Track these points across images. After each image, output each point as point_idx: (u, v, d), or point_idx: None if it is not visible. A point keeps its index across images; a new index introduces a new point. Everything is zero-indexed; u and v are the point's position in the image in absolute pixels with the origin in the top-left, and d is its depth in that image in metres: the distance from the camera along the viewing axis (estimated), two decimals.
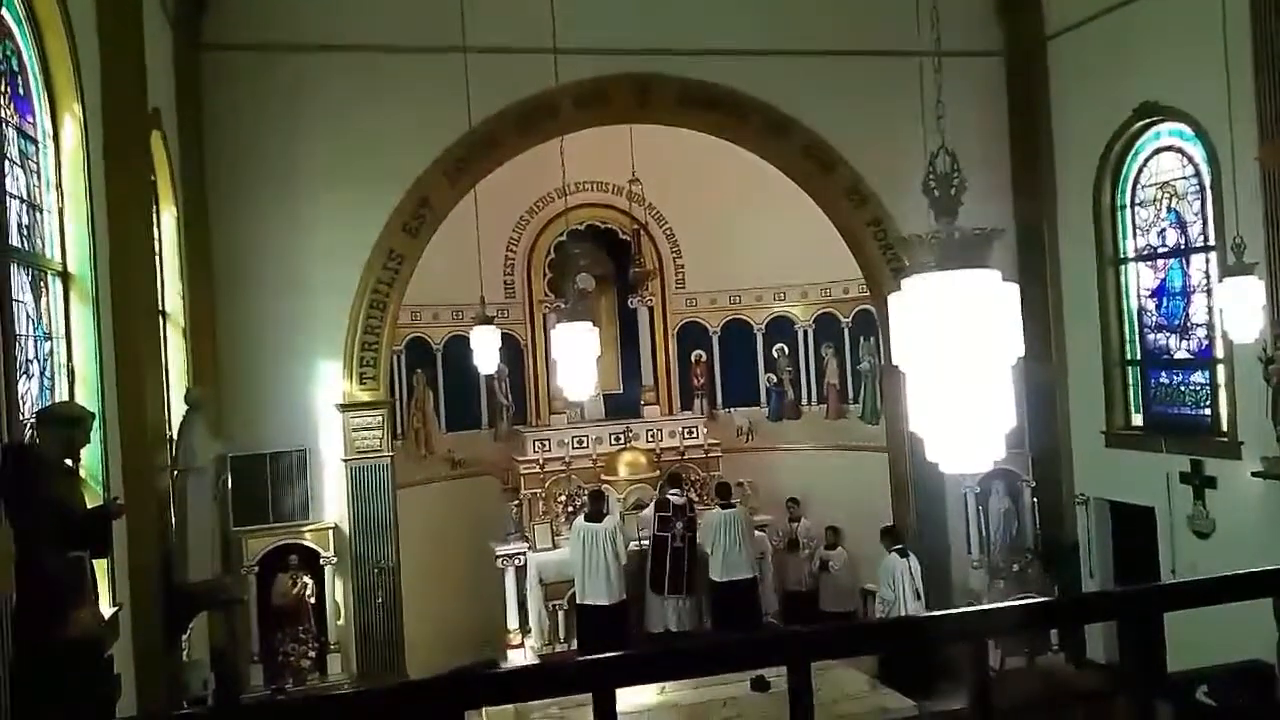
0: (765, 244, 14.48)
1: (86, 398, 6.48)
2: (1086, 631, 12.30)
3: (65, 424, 4.99)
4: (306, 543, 10.81)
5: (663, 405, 15.09)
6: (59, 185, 6.74)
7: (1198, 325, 11.29)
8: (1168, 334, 11.67)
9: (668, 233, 15.26)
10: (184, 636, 8.01)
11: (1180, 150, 11.25)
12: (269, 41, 10.81)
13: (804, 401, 15.28)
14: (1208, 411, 11.12)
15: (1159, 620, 2.05)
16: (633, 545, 12.69)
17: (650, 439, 14.23)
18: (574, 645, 12.44)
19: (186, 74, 10.21)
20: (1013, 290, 2.91)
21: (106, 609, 5.79)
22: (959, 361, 2.82)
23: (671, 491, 12.84)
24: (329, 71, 10.92)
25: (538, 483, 13.61)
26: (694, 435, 14.40)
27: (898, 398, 12.46)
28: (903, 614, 12.06)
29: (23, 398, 5.68)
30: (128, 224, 7.41)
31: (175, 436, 8.38)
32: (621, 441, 14.09)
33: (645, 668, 2.35)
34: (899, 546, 12.10)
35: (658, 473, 13.40)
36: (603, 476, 13.63)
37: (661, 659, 2.38)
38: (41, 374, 6.24)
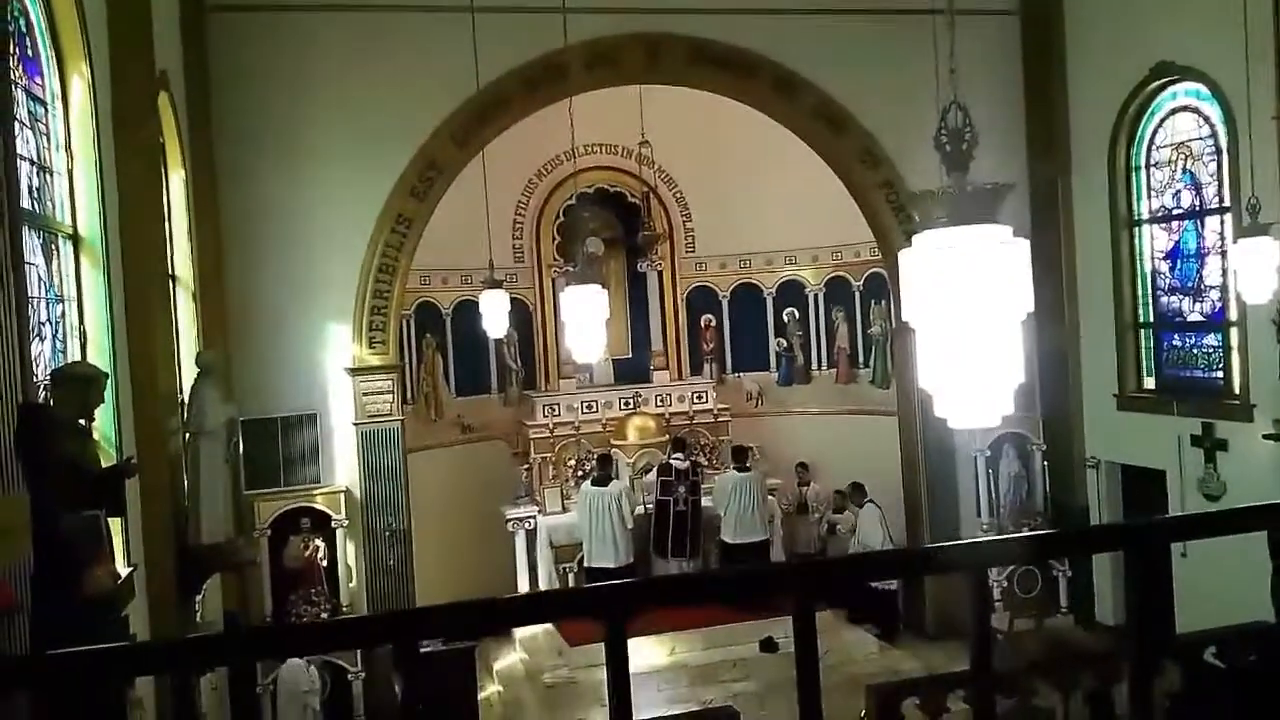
0: (776, 207, 14.39)
1: (98, 360, 6.50)
2: (1095, 594, 12.34)
3: (80, 383, 5.02)
4: (318, 506, 10.89)
5: (672, 370, 15.08)
6: (68, 147, 6.74)
7: (1211, 288, 11.22)
8: (1181, 296, 11.60)
9: (677, 196, 15.18)
10: (197, 598, 8.10)
11: (1196, 110, 11.13)
12: (275, 2, 10.74)
13: (814, 366, 15.26)
14: (1220, 374, 11.08)
15: (1165, 556, 2.04)
16: (639, 509, 12.73)
17: (659, 404, 14.24)
18: None
19: (193, 36, 10.16)
20: (1023, 246, 2.89)
21: (121, 569, 5.85)
22: (968, 316, 2.80)
23: (674, 456, 12.87)
24: (336, 32, 10.86)
25: (547, 447, 13.65)
26: (703, 400, 14.40)
27: (908, 362, 12.44)
28: None
29: (36, 360, 5.71)
30: (137, 187, 7.41)
31: (186, 400, 8.42)
32: (631, 406, 14.11)
33: (655, 593, 2.39)
34: (869, 499, 12.87)
35: (667, 437, 13.42)
36: (612, 441, 13.66)
37: (673, 585, 2.40)
38: (54, 336, 6.27)
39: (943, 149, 3.03)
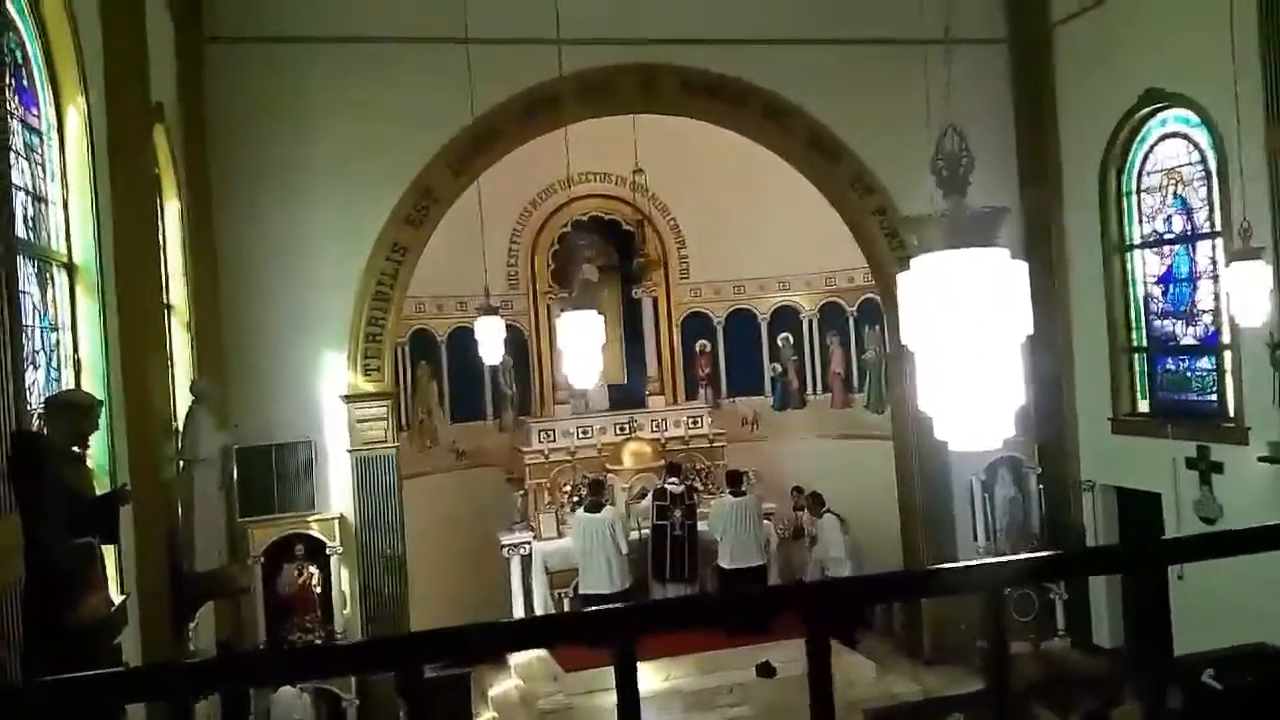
0: (769, 233, 14.46)
1: (92, 388, 6.48)
2: (1093, 617, 12.32)
3: (74, 411, 5.00)
4: (312, 533, 10.84)
5: (667, 395, 15.08)
6: (63, 177, 6.75)
7: (1204, 311, 11.27)
8: (1174, 320, 11.65)
9: (671, 223, 15.24)
10: (191, 625, 8.03)
11: (1186, 136, 11.22)
12: (270, 34, 10.81)
13: (809, 391, 15.28)
14: (1214, 397, 11.11)
15: (1163, 578, 2.04)
16: (634, 535, 12.69)
17: (655, 429, 14.23)
18: None
19: (188, 67, 10.20)
20: (1022, 268, 2.91)
21: (115, 597, 5.81)
22: (968, 339, 2.82)
23: (670, 481, 12.86)
24: (331, 63, 10.92)
25: (543, 473, 13.63)
26: (699, 425, 14.39)
27: (903, 386, 12.46)
28: (844, 570, 12.61)
29: (30, 388, 5.69)
30: (132, 216, 7.41)
31: (181, 428, 8.39)
32: (626, 432, 14.10)
33: (667, 615, 2.37)
34: (828, 509, 13.08)
35: (663, 462, 13.40)
36: (608, 466, 13.63)
37: (684, 607, 2.38)
38: (48, 365, 6.25)
39: (939, 173, 3.06)
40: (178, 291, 9.59)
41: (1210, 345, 11.17)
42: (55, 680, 1.82)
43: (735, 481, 12.95)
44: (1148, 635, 2.15)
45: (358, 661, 2.50)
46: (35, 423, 5.37)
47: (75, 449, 4.96)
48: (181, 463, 8.04)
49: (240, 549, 10.39)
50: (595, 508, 12.43)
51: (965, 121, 3.17)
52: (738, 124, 12.24)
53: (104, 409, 5.68)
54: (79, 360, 6.58)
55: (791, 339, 15.35)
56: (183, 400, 8.77)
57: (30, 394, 5.66)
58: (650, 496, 12.89)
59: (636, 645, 1.79)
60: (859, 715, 8.46)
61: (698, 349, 15.48)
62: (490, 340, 10.50)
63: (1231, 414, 10.67)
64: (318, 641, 10.72)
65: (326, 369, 11.08)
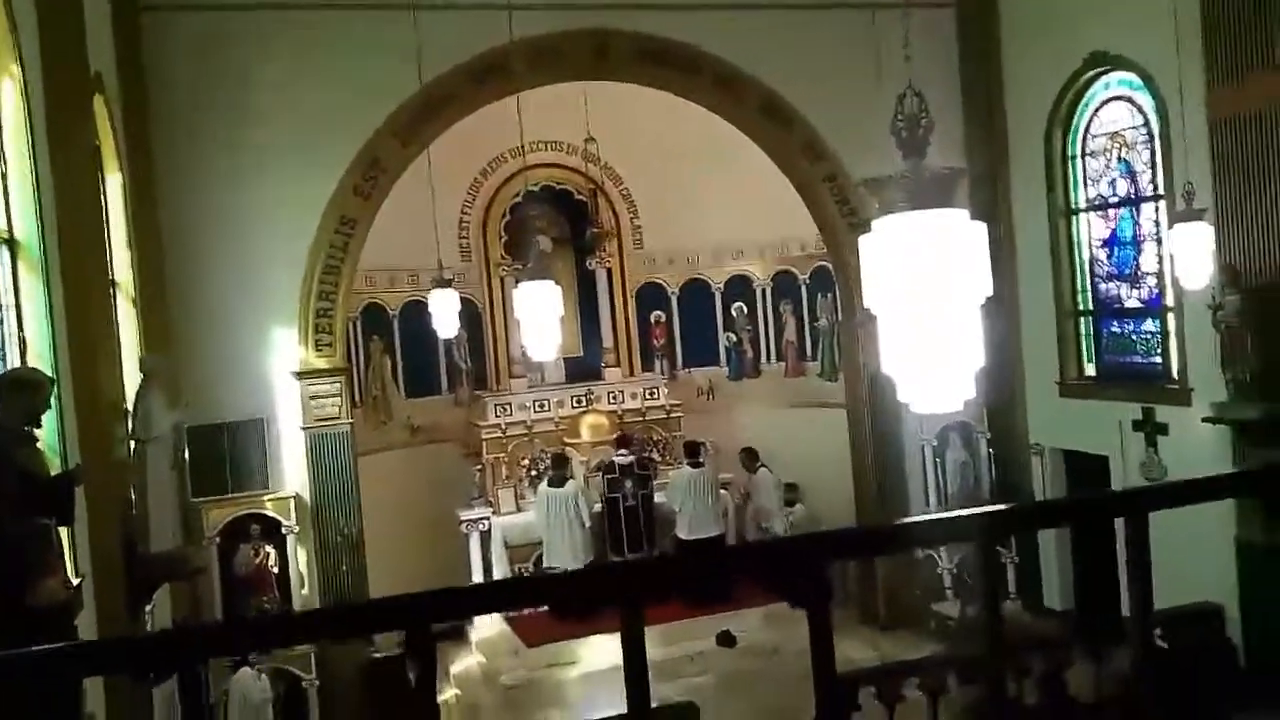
0: (723, 203, 14.45)
1: (40, 367, 6.34)
2: (1043, 580, 12.57)
3: (25, 389, 4.88)
4: (267, 512, 10.73)
5: (623, 367, 15.08)
6: (0, 151, 6.55)
7: (1148, 274, 11.48)
8: (1119, 283, 11.86)
9: (624, 193, 15.18)
10: (147, 608, 7.92)
11: (1130, 100, 11.38)
12: (209, 2, 10.55)
13: (763, 360, 15.36)
14: (1159, 360, 11.34)
15: (1145, 525, 2.09)
16: (598, 507, 12.72)
17: (612, 401, 14.24)
18: (542, 608, 12.46)
19: (127, 36, 9.95)
20: (981, 228, 2.95)
21: (71, 579, 5.71)
22: (931, 300, 2.85)
23: (619, 453, 12.89)
24: (274, 30, 10.69)
25: (500, 447, 13.59)
26: (655, 396, 14.43)
27: (856, 353, 12.58)
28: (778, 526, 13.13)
29: None
30: (73, 190, 7.22)
31: (131, 407, 8.24)
32: (583, 404, 14.10)
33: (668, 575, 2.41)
34: (762, 464, 13.43)
35: (620, 434, 13.42)
36: (565, 440, 13.63)
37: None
38: None
39: (899, 134, 3.08)
40: (122, 267, 9.39)
41: (1154, 308, 11.39)
42: (13, 654, 1.79)
43: (693, 452, 13.02)
44: (1136, 584, 2.20)
45: (362, 623, 2.51)
46: None
47: (27, 429, 4.85)
48: (133, 442, 7.90)
49: (195, 529, 10.26)
50: (559, 481, 12.44)
51: (914, 85, 3.19)
52: (690, 91, 12.20)
53: (54, 388, 5.55)
54: (24, 339, 6.42)
55: (745, 308, 15.40)
56: (131, 378, 8.60)
57: None
58: (601, 470, 12.91)
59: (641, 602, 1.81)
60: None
61: (653, 320, 15.49)
62: (444, 313, 10.42)
63: (1175, 376, 10.90)
64: None
65: (277, 345, 10.93)
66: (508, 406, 13.84)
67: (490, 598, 2.18)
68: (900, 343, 2.95)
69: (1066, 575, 12.37)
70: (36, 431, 5.03)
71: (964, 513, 2.28)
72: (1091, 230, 12.11)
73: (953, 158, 12.04)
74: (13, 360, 6.26)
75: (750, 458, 13.60)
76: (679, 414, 14.39)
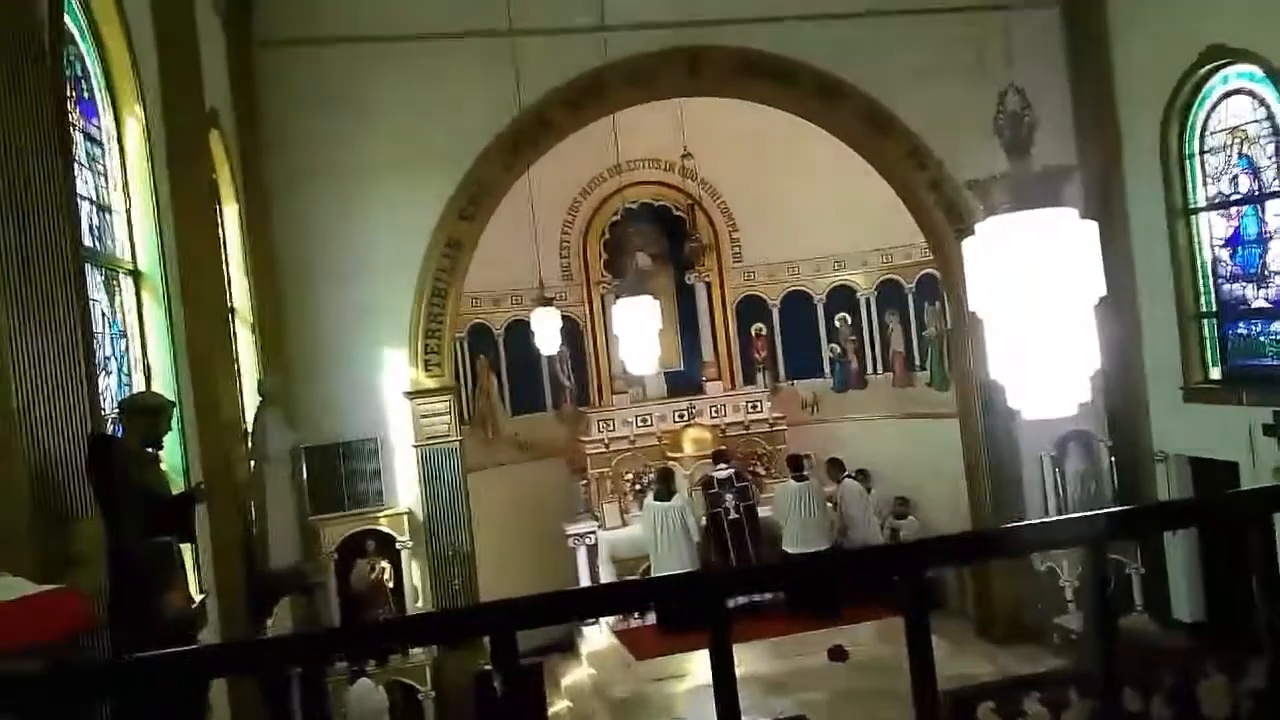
0: (822, 212, 14.31)
1: (162, 392, 6.62)
2: (1171, 593, 12.04)
3: (147, 412, 5.10)
4: (382, 528, 10.98)
5: (725, 380, 15.03)
6: (125, 186, 6.89)
7: (1275, 273, 10.93)
8: (1244, 283, 11.32)
9: (722, 206, 15.16)
10: (268, 621, 8.18)
11: (1251, 93, 10.87)
12: (316, 36, 10.90)
13: (870, 371, 15.11)
14: None
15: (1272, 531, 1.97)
16: (704, 521, 12.69)
17: (714, 415, 14.20)
18: (649, 620, 12.48)
19: (240, 72, 10.36)
20: (1091, 227, 2.84)
21: (195, 595, 5.93)
22: (1040, 302, 2.75)
23: (716, 467, 12.82)
24: (378, 62, 10.99)
25: (604, 462, 13.67)
26: (758, 409, 14.33)
27: (967, 361, 12.27)
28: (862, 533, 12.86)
29: (103, 394, 5.82)
30: (192, 222, 7.55)
31: (250, 429, 8.54)
32: (685, 418, 14.08)
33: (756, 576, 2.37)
34: (848, 474, 13.30)
35: (716, 449, 13.33)
36: (668, 454, 13.63)
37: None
38: (119, 370, 6.39)
39: (1002, 133, 2.99)
40: (240, 294, 9.76)
41: None
42: (146, 656, 1.84)
43: (796, 465, 12.88)
44: (1268, 590, 2.07)
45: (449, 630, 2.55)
46: (110, 427, 5.49)
47: (149, 450, 5.06)
48: (252, 462, 8.18)
49: (313, 546, 10.55)
50: (665, 495, 12.46)
51: (1018, 83, 3.10)
52: (788, 102, 12.11)
53: (175, 411, 5.79)
54: (148, 365, 6.72)
55: (849, 319, 15.19)
56: (250, 401, 8.92)
57: (104, 399, 5.79)
58: (702, 485, 12.86)
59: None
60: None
61: (754, 333, 15.40)
62: (546, 331, 10.55)
63: None
64: None
65: (389, 366, 11.20)
66: (610, 422, 13.91)
67: (570, 604, 2.17)
68: (1008, 347, 2.86)
69: (1196, 586, 11.82)
70: (160, 453, 5.24)
71: (1064, 518, 2.18)
72: (1213, 229, 11.59)
73: (1064, 157, 11.69)
74: (138, 384, 6.55)
75: (835, 467, 13.40)
76: (782, 427, 14.25)
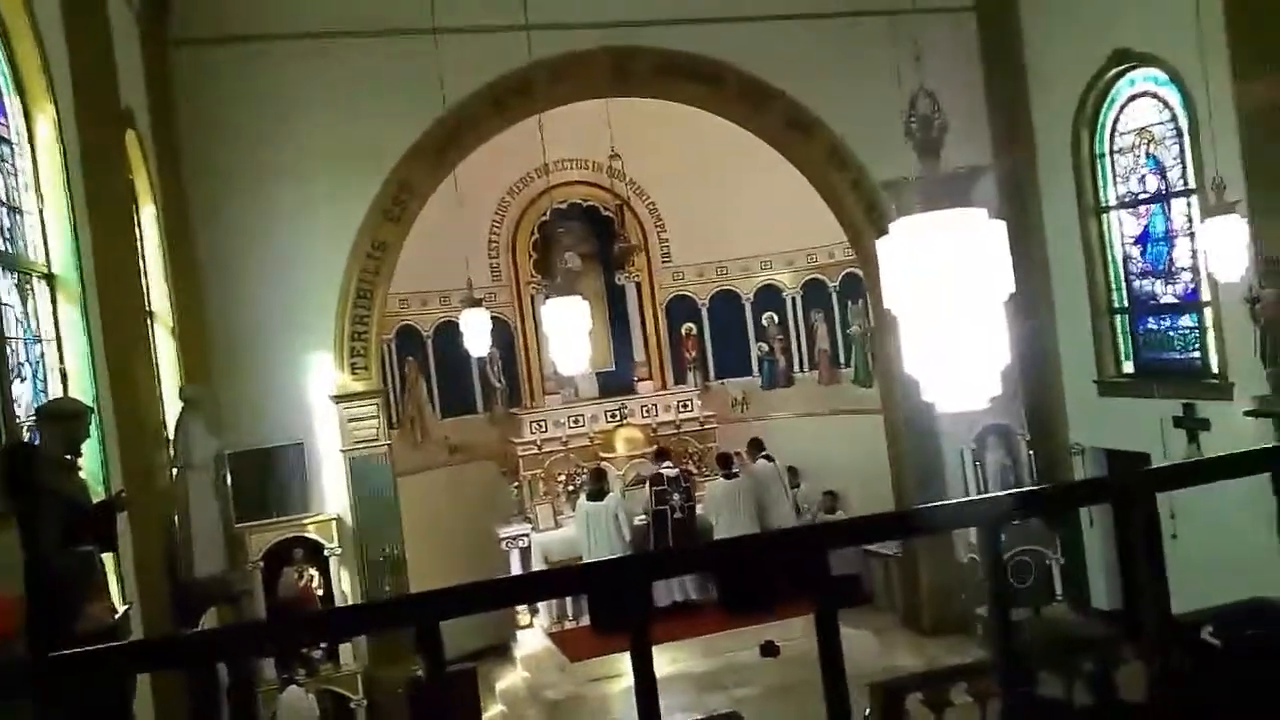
0: (749, 213, 14.46)
1: (81, 398, 6.47)
2: (1089, 581, 12.42)
3: (65, 419, 5.00)
4: (310, 535, 10.83)
5: (656, 380, 15.11)
6: (38, 187, 6.72)
7: (1182, 269, 11.35)
8: (1153, 280, 11.73)
9: (650, 207, 15.24)
10: (193, 631, 8.03)
11: (1156, 95, 11.27)
12: (236, 34, 10.73)
13: (796, 369, 15.32)
14: (1197, 354, 11.20)
15: (1154, 511, 2.07)
16: (637, 520, 12.73)
17: (645, 414, 14.26)
18: (584, 622, 12.51)
19: (156, 71, 10.14)
20: (1000, 226, 2.94)
21: (117, 606, 5.81)
22: (951, 299, 2.85)
23: (664, 465, 12.88)
24: (299, 61, 10.85)
25: (536, 464, 13.64)
26: (688, 408, 14.43)
27: (890, 358, 12.51)
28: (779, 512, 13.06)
29: (17, 400, 5.68)
30: (109, 224, 7.40)
31: (172, 435, 8.38)
32: (617, 418, 14.12)
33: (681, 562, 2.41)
34: (764, 453, 13.39)
35: (655, 447, 13.42)
36: (600, 454, 13.66)
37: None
38: (34, 376, 6.23)
39: (913, 135, 3.09)
40: (159, 297, 9.56)
41: (1191, 302, 11.25)
42: (69, 654, 1.83)
43: (726, 464, 13.01)
44: (1142, 570, 2.17)
45: (379, 620, 2.56)
46: (26, 434, 5.37)
47: (68, 458, 4.95)
48: (175, 469, 8.03)
49: (238, 554, 10.38)
50: (598, 495, 12.48)
51: (937, 89, 3.20)
52: (712, 103, 12.23)
53: (94, 417, 5.67)
54: (65, 370, 6.57)
55: (776, 318, 15.38)
56: (172, 407, 8.75)
57: (18, 406, 5.65)
58: (648, 483, 12.90)
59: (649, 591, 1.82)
60: (863, 688, 8.51)
61: (683, 332, 15.51)
62: (476, 332, 10.51)
63: (1215, 370, 10.75)
64: (321, 646, 10.72)
65: (314, 369, 11.06)
66: (542, 423, 13.89)
67: (498, 593, 2.21)
68: (921, 343, 2.95)
69: (1113, 575, 12.20)
70: (79, 460, 5.13)
71: (963, 500, 2.28)
72: (1123, 227, 11.99)
73: (979, 157, 11.98)
74: (54, 391, 6.40)
75: (754, 448, 13.52)
76: (713, 425, 14.38)
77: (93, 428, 5.52)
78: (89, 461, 6.27)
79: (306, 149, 10.84)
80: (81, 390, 6.62)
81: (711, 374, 15.54)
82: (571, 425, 13.95)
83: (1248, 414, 9.70)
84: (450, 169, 11.39)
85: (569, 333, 7.56)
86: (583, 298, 8.03)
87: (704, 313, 15.54)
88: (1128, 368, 12.08)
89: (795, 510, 13.62)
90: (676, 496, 12.66)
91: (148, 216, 9.54)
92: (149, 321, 8.80)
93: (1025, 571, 12.12)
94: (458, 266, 10.84)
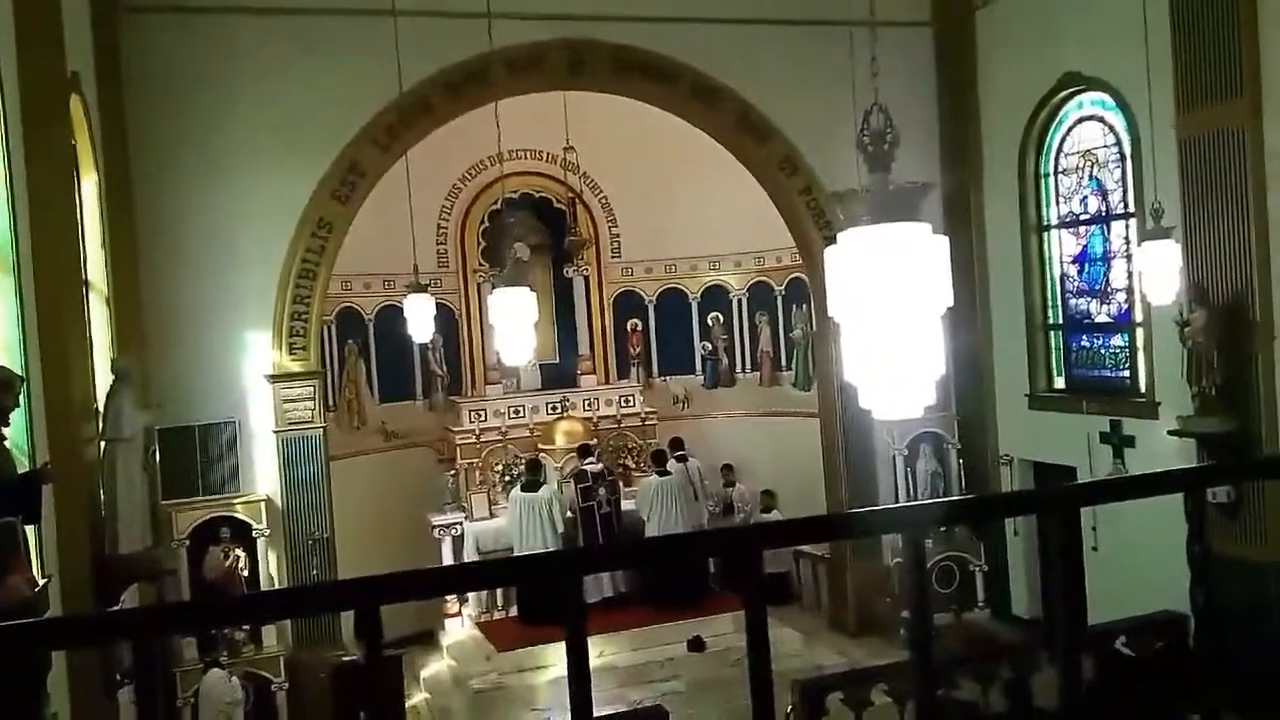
0: (700, 213, 14.55)
1: (9, 366, 6.31)
2: (1010, 589, 12.69)
3: None
4: (238, 515, 10.68)
5: (599, 374, 15.13)
6: None
7: (1118, 290, 11.64)
8: (1089, 299, 12.02)
9: (603, 201, 15.25)
10: (115, 609, 7.88)
11: (1102, 119, 11.54)
12: (190, 4, 10.54)
13: (739, 369, 15.45)
14: (1127, 373, 11.50)
15: (1076, 523, 2.15)
16: (570, 513, 12.73)
17: (587, 408, 14.28)
18: (513, 612, 12.49)
19: (105, 36, 9.91)
20: (943, 242, 3.01)
21: (37, 579, 5.68)
22: (892, 310, 2.91)
23: (586, 461, 12.89)
24: (254, 34, 10.68)
25: (474, 453, 13.59)
26: (630, 404, 14.48)
27: (829, 363, 12.67)
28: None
29: None
30: (48, 190, 7.20)
31: (102, 408, 8.20)
32: (558, 411, 14.12)
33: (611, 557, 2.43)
34: (683, 451, 13.52)
35: (582, 443, 13.39)
36: (540, 446, 13.65)
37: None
38: None
39: (865, 149, 3.14)
40: (96, 267, 9.34)
41: (1123, 323, 11.55)
42: None
43: (660, 460, 13.07)
44: (1063, 577, 2.24)
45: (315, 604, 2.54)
46: None
47: None
48: (103, 443, 7.87)
49: (164, 532, 10.20)
50: (532, 486, 12.46)
51: (890, 102, 3.26)
52: (668, 102, 12.27)
53: (22, 386, 5.54)
54: None
55: (722, 318, 15.50)
56: (103, 379, 8.57)
57: None
58: (573, 480, 12.91)
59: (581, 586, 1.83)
60: (786, 685, 8.64)
61: (629, 328, 15.55)
62: (419, 318, 10.39)
63: (1143, 389, 11.05)
64: (244, 627, 10.58)
65: (251, 347, 10.90)
66: (483, 412, 13.84)
67: (441, 580, 2.21)
68: (861, 351, 3.01)
69: (1035, 584, 12.49)
70: (4, 430, 5.01)
71: (891, 507, 2.34)
72: (1063, 246, 12.26)
73: (928, 174, 12.17)
74: None
75: (672, 448, 13.54)
76: (654, 422, 14.44)
77: (20, 398, 5.39)
78: (14, 431, 6.12)
79: (255, 124, 10.67)
80: (10, 358, 6.45)
81: (655, 370, 15.61)
82: (512, 416, 13.91)
83: (1171, 433, 9.98)
84: (402, 152, 11.28)
85: (515, 323, 7.54)
86: (530, 289, 8.00)
87: (650, 309, 15.60)
88: (1059, 383, 12.37)
89: (707, 514, 13.66)
90: (602, 491, 12.69)
91: (89, 185, 9.32)
92: (84, 291, 8.60)
93: (949, 577, 12.37)
94: (404, 251, 10.73)
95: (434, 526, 12.95)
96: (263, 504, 10.78)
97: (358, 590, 1.77)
